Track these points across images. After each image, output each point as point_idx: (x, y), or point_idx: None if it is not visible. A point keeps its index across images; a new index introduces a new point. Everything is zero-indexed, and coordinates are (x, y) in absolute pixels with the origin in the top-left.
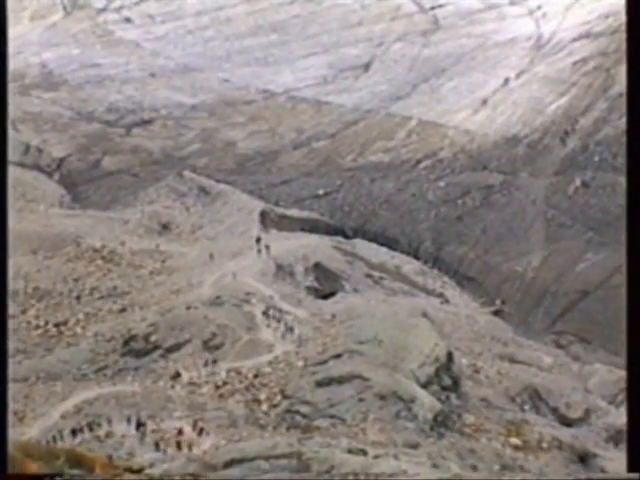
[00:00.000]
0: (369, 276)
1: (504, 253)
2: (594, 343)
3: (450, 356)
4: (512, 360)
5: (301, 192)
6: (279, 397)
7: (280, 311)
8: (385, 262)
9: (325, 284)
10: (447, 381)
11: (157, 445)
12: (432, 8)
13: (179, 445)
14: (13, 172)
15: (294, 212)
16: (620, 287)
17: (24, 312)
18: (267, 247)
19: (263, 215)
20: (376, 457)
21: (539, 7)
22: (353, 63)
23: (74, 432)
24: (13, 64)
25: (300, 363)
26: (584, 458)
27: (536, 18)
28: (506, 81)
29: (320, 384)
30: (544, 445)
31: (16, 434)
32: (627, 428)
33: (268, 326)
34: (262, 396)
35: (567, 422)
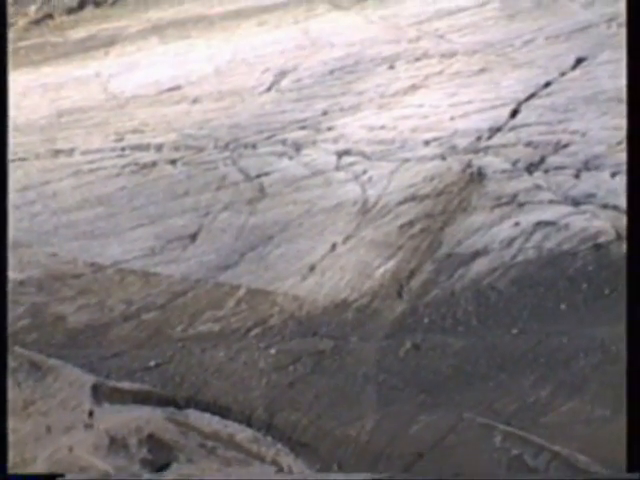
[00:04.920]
0: (203, 446)
1: (337, 418)
2: None
3: None
4: None
5: (132, 364)
6: None
7: None
8: (218, 431)
9: (159, 456)
10: None
11: None
12: (258, 176)
13: None
14: None
15: (126, 385)
16: (455, 447)
17: None
18: (99, 421)
19: (95, 389)
20: None
21: (364, 171)
22: (180, 233)
23: None
24: None
25: None
26: None
27: (362, 182)
28: (333, 246)
29: None
30: None
31: None
32: (627, 428)
33: None
34: None
35: None
